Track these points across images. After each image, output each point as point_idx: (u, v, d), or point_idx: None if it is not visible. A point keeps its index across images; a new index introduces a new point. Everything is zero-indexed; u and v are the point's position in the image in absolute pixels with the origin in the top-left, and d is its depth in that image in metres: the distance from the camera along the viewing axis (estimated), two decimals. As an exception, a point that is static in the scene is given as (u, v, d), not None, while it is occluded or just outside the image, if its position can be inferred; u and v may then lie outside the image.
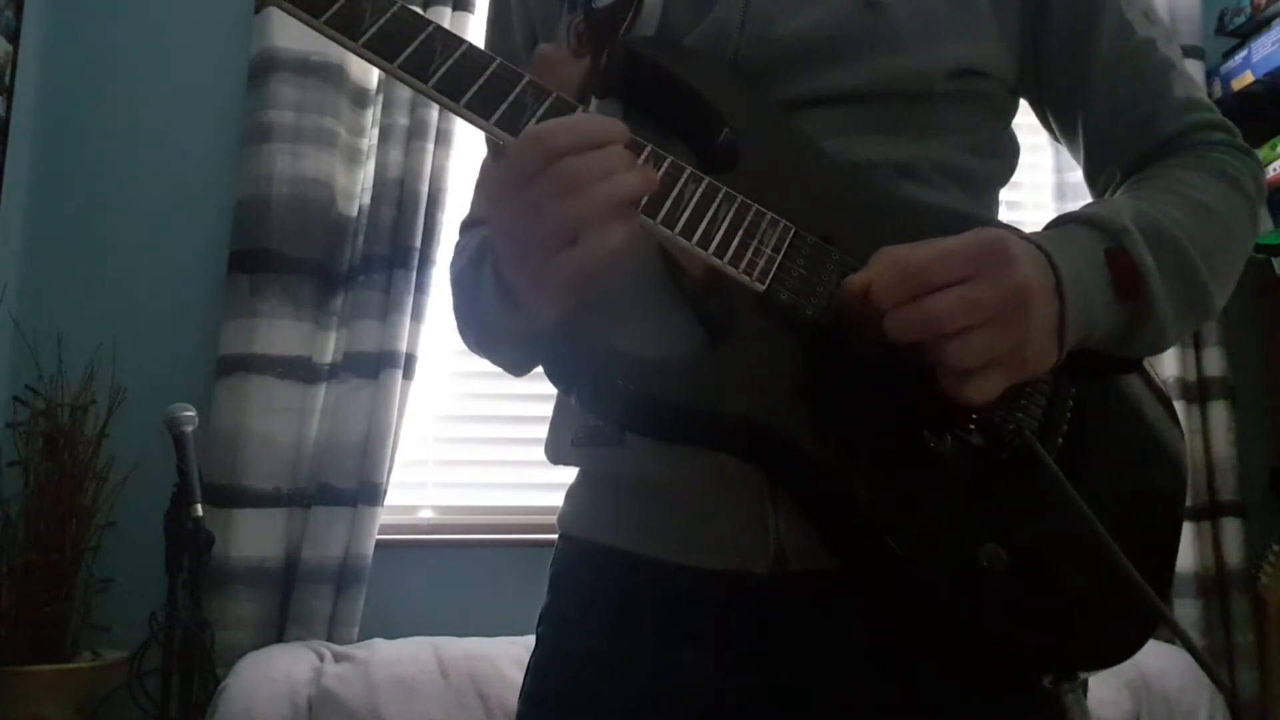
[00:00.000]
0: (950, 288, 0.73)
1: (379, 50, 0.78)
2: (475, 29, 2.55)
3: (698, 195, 0.79)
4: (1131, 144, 0.99)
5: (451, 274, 1.05)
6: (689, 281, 0.84)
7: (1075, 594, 0.81)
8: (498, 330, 0.95)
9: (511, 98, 0.79)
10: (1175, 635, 0.78)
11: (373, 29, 0.78)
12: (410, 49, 0.78)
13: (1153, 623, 0.83)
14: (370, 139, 2.61)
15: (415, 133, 2.55)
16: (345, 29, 0.78)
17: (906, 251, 0.76)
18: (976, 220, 0.92)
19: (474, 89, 0.78)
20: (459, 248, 1.07)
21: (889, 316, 0.74)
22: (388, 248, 2.51)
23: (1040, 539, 0.80)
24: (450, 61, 0.78)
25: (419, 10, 2.54)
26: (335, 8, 0.78)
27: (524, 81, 0.79)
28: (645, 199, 0.76)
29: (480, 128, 0.78)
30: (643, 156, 0.78)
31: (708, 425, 0.79)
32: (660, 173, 0.78)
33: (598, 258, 0.74)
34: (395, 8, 0.80)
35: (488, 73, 0.79)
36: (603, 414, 0.82)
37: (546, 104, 0.79)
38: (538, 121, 0.78)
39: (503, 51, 0.81)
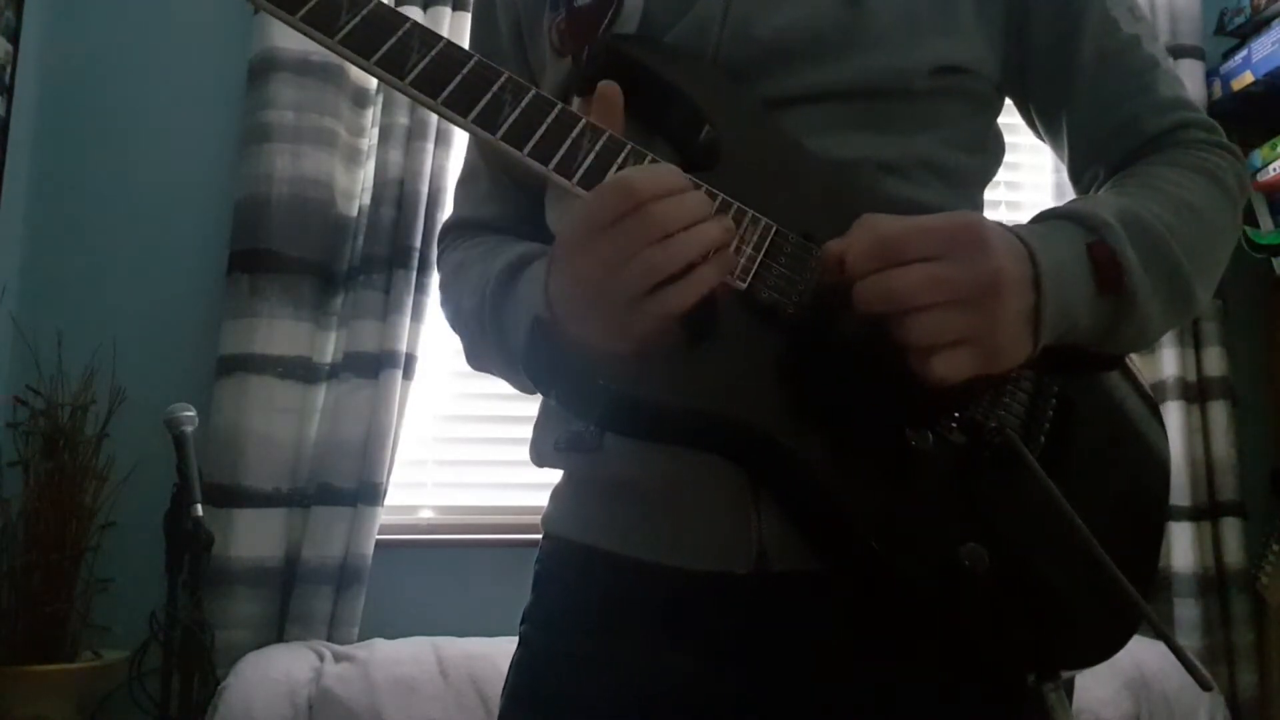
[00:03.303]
0: (920, 263, 0.73)
1: (355, 47, 0.77)
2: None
3: None
4: (1116, 142, 0.99)
5: (451, 294, 1.02)
6: None
7: (1057, 593, 0.81)
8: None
9: (489, 95, 0.78)
10: (1157, 633, 0.78)
11: (349, 25, 0.78)
12: (387, 46, 0.78)
13: (1135, 621, 0.83)
14: (370, 139, 2.61)
15: (415, 133, 2.56)
16: (321, 25, 0.77)
17: (883, 221, 0.76)
18: None
19: (451, 86, 0.78)
20: (455, 264, 1.03)
21: (856, 287, 0.73)
22: (388, 248, 2.51)
23: (1022, 537, 0.80)
24: (428, 58, 0.78)
25: (419, 10, 2.53)
26: (311, 4, 0.78)
27: (502, 78, 0.79)
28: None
29: (458, 125, 0.78)
30: (622, 155, 0.77)
31: (688, 424, 0.79)
32: None
33: (688, 303, 0.72)
34: (372, 4, 0.79)
35: (465, 69, 0.78)
36: (583, 414, 0.81)
37: (525, 101, 0.78)
38: (516, 119, 0.78)
39: (487, 49, 0.81)
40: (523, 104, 0.78)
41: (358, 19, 0.78)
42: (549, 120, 0.79)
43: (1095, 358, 0.88)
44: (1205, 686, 0.81)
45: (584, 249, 0.73)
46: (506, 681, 0.98)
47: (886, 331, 0.74)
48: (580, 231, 0.73)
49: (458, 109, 0.78)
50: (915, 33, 0.92)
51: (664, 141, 0.87)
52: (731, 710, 0.87)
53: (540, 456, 1.00)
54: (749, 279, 0.79)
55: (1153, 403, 0.94)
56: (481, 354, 0.98)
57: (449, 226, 1.10)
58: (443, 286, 1.05)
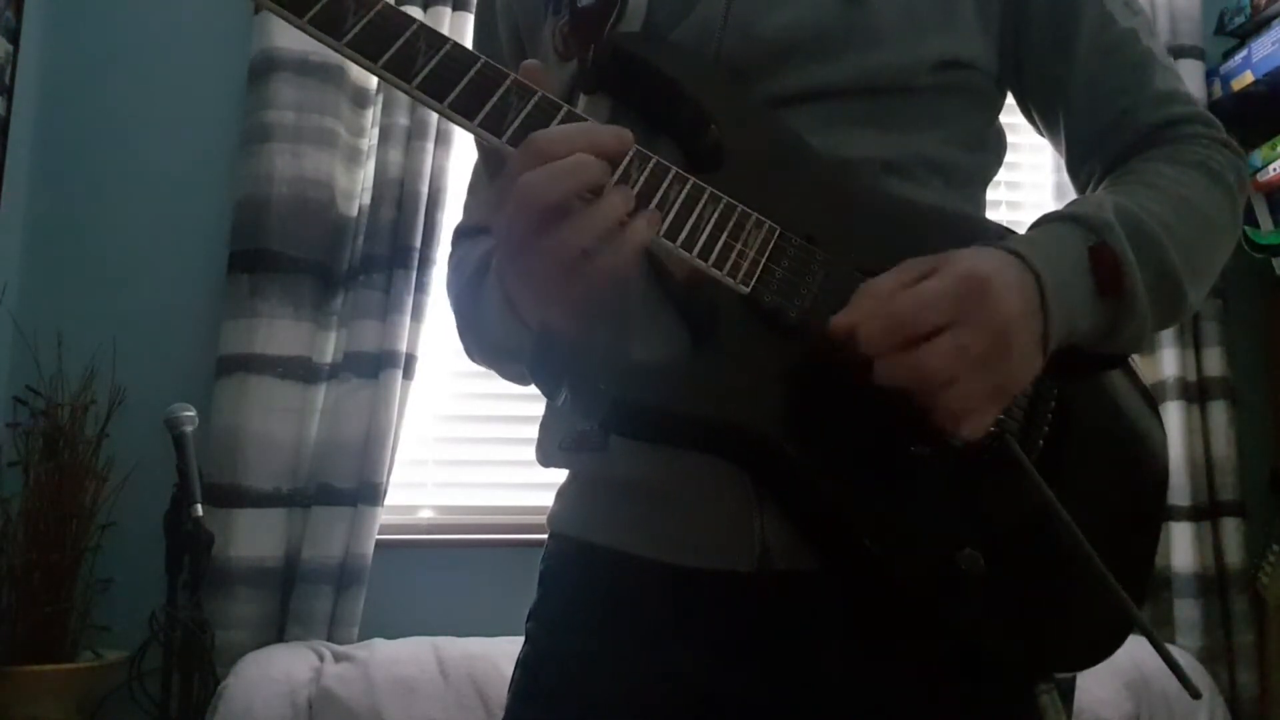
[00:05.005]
0: (937, 337, 0.72)
1: (363, 49, 0.77)
2: (475, 29, 2.55)
3: (683, 196, 0.78)
4: (1112, 136, 0.99)
5: (450, 292, 1.05)
6: (673, 283, 0.84)
7: (1051, 596, 0.82)
8: (505, 350, 0.94)
9: (496, 97, 0.78)
10: (1147, 638, 0.78)
11: (356, 28, 0.77)
12: (394, 48, 0.77)
13: (1129, 625, 0.83)
14: (370, 139, 2.61)
15: (415, 133, 2.56)
16: (329, 28, 0.77)
17: (890, 294, 0.75)
18: (962, 218, 0.92)
19: (458, 89, 0.77)
20: (455, 263, 1.06)
21: (877, 364, 0.73)
22: (388, 248, 2.51)
23: (1018, 541, 0.80)
24: (434, 61, 0.77)
25: (419, 10, 2.53)
26: (318, 6, 0.77)
27: (509, 81, 0.79)
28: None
29: (465, 128, 0.78)
30: (626, 159, 0.77)
31: (690, 428, 0.79)
32: (645, 173, 0.78)
33: (602, 279, 0.72)
34: (379, 6, 0.79)
35: (472, 72, 0.78)
36: (587, 416, 0.82)
37: (531, 103, 0.78)
38: (522, 122, 0.77)
39: (487, 54, 0.81)
40: (529, 107, 0.78)
41: (364, 21, 0.78)
42: (555, 124, 0.78)
43: (1095, 359, 0.88)
44: (1194, 695, 0.81)
45: (497, 209, 0.75)
46: (513, 680, 0.99)
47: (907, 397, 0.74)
48: (501, 200, 0.75)
49: (465, 112, 0.77)
50: (917, 29, 0.92)
51: (669, 141, 0.87)
52: (736, 708, 0.88)
53: (546, 457, 1.01)
54: (752, 283, 0.79)
55: (1152, 401, 0.94)
56: (473, 349, 1.01)
57: (456, 233, 1.11)
58: (446, 287, 1.07)
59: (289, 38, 2.48)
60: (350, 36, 0.77)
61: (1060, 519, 0.77)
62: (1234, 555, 2.72)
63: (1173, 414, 2.72)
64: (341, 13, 0.78)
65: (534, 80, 0.79)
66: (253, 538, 2.36)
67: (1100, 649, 0.83)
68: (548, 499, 1.05)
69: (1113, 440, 0.89)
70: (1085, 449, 0.86)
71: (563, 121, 0.78)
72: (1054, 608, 0.82)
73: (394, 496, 2.52)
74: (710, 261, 0.78)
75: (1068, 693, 0.83)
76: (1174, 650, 0.87)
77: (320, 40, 0.78)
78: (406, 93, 0.78)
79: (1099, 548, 0.77)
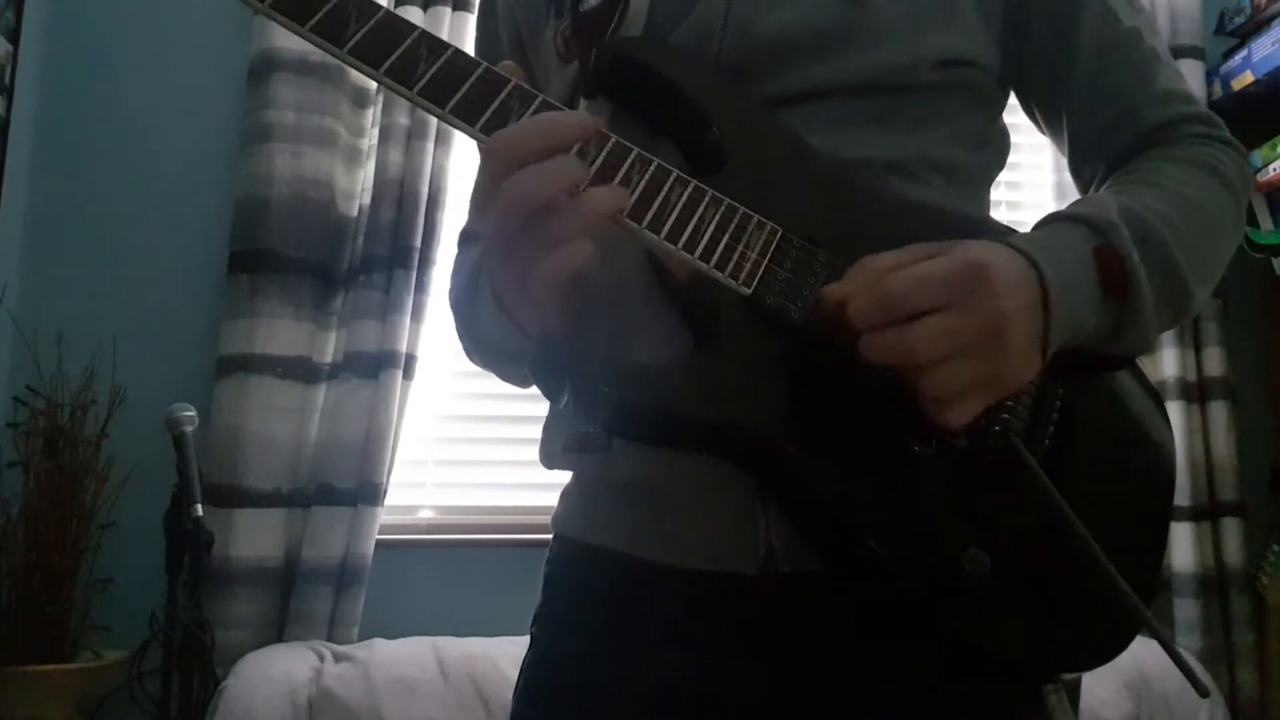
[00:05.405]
0: (927, 316, 0.72)
1: (365, 57, 0.77)
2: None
3: (684, 198, 0.78)
4: (1115, 134, 0.98)
5: (450, 296, 1.05)
6: (675, 285, 0.83)
7: (1058, 597, 0.81)
8: (503, 353, 0.94)
9: (497, 103, 0.78)
10: (1155, 638, 0.78)
11: (358, 35, 0.77)
12: (396, 55, 0.78)
13: (1136, 625, 0.83)
14: (370, 139, 2.61)
15: (415, 133, 2.56)
16: (331, 36, 0.78)
17: (886, 269, 0.74)
18: (964, 218, 0.92)
19: (459, 94, 0.77)
20: (456, 264, 1.07)
21: (864, 340, 0.73)
22: (388, 248, 2.51)
23: (1023, 541, 0.80)
24: (435, 67, 0.78)
25: (419, 10, 2.53)
26: (321, 14, 0.78)
27: (510, 86, 0.79)
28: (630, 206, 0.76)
29: (467, 133, 0.78)
30: (628, 162, 0.77)
31: (693, 430, 0.79)
32: (646, 176, 0.78)
33: (570, 269, 0.72)
34: (380, 14, 0.79)
35: (473, 78, 0.78)
36: (590, 418, 0.82)
37: (533, 108, 0.78)
38: None
39: (489, 57, 0.81)
40: (529, 111, 0.78)
41: (366, 29, 0.78)
42: None
43: (1100, 360, 0.88)
44: (1203, 694, 0.81)
45: (483, 209, 0.75)
46: (517, 683, 0.99)
47: (895, 377, 0.74)
48: (480, 193, 0.75)
49: (467, 118, 0.77)
50: (917, 27, 0.92)
51: (670, 143, 0.87)
52: (740, 711, 0.87)
53: (549, 459, 1.01)
54: (754, 284, 0.79)
55: (1158, 398, 0.93)
56: (473, 352, 1.01)
57: (461, 235, 1.11)
58: (448, 291, 1.07)
59: (289, 38, 2.46)
60: (352, 44, 0.78)
61: (1066, 519, 0.77)
62: (1234, 555, 2.72)
63: (1173, 414, 2.71)
64: (344, 20, 0.78)
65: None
66: (253, 538, 2.36)
67: (1108, 649, 0.83)
68: (548, 499, 1.05)
69: (1119, 440, 0.89)
70: (1091, 449, 0.85)
71: None
72: (1061, 608, 0.81)
73: (394, 496, 2.53)
74: (712, 263, 0.78)
75: (1073, 693, 0.83)
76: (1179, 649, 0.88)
77: (323, 48, 0.78)
78: (409, 99, 0.78)
79: (1106, 548, 0.76)
